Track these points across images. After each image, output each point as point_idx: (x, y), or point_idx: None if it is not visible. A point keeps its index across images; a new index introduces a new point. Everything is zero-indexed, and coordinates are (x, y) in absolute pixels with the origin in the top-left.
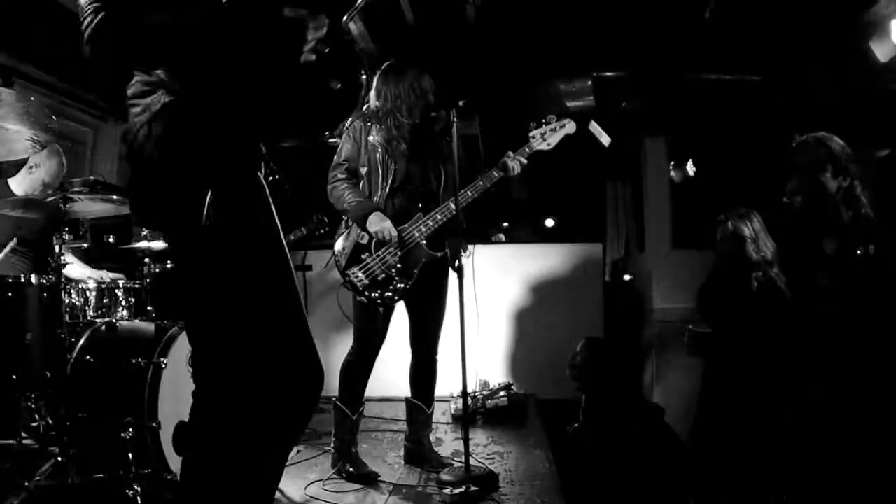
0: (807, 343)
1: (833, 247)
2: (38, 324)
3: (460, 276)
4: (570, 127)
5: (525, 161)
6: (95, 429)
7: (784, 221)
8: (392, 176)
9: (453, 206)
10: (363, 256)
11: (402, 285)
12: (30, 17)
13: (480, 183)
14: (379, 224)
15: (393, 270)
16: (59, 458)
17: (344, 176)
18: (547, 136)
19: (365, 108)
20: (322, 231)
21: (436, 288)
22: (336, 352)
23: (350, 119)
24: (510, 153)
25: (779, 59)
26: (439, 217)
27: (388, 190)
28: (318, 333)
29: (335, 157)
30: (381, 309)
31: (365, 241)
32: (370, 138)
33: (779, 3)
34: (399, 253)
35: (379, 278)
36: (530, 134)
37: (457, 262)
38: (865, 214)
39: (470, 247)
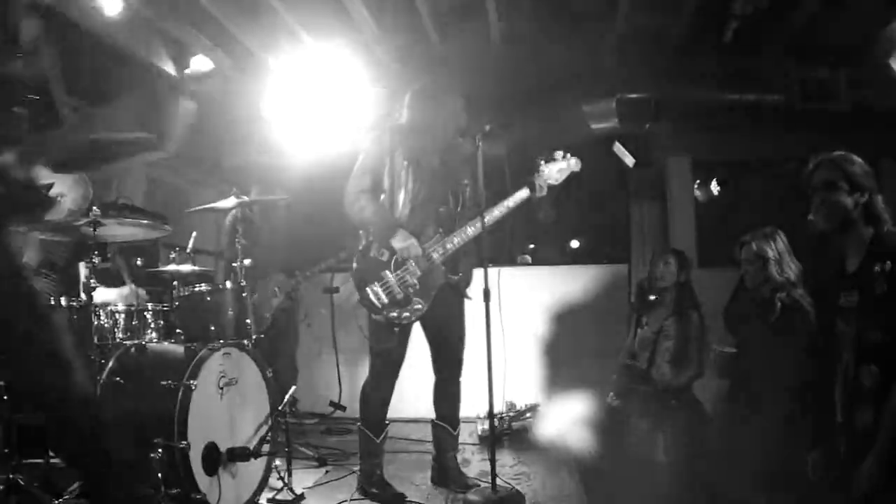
0: (831, 363)
1: (855, 265)
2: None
3: (487, 299)
4: (575, 164)
5: (546, 189)
6: (124, 449)
7: (807, 241)
8: (415, 194)
9: (470, 231)
10: (382, 274)
11: (420, 306)
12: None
13: (505, 203)
14: (404, 242)
15: (411, 290)
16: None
17: (367, 187)
18: (555, 173)
19: (393, 122)
20: None
21: (453, 310)
22: (360, 373)
23: (377, 130)
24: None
25: (800, 77)
26: (457, 240)
27: (409, 207)
28: (343, 355)
29: (357, 166)
30: (396, 329)
31: (385, 258)
32: (397, 153)
33: (797, 22)
34: (419, 273)
35: (397, 297)
36: (540, 169)
37: (466, 288)
38: (888, 231)
39: (496, 269)
